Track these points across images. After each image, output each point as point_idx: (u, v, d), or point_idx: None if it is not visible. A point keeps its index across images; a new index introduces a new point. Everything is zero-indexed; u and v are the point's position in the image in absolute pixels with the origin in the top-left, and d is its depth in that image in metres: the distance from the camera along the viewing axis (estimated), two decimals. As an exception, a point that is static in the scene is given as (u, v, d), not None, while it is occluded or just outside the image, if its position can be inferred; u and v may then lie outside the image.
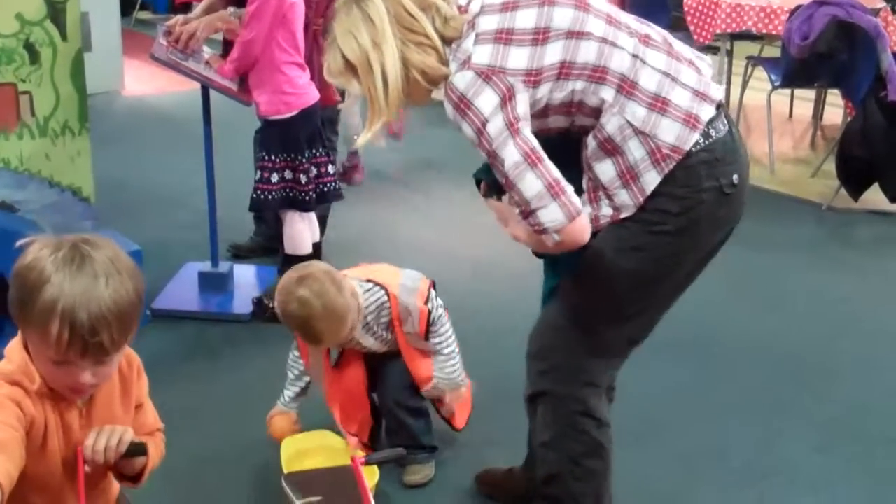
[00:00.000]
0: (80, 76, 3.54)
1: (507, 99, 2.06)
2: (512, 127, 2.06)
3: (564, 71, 2.10)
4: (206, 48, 3.76)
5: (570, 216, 2.07)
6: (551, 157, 2.09)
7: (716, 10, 5.87)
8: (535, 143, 2.08)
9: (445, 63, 2.11)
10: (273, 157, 3.57)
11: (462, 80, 2.06)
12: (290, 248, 3.69)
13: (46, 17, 3.41)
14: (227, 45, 3.87)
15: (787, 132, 6.60)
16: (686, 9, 6.04)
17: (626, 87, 2.12)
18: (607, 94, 2.12)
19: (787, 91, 6.51)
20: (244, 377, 3.36)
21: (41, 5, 3.40)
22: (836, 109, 6.33)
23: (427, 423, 2.80)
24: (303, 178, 3.58)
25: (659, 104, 2.13)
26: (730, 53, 6.28)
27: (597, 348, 2.29)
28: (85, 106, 3.60)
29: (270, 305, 3.70)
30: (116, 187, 4.70)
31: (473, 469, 2.77)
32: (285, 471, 2.58)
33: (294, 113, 3.53)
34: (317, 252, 3.79)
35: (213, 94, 3.67)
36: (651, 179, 2.13)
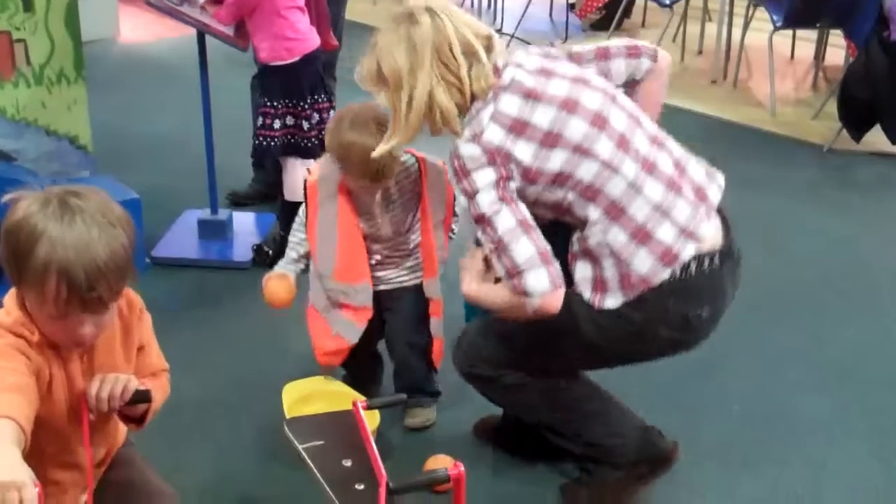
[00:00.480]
0: (74, 23, 3.51)
1: (504, 179, 2.13)
2: (505, 199, 2.14)
3: (560, 180, 2.15)
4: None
5: (554, 285, 2.14)
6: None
7: (717, -50, 5.80)
8: (528, 213, 2.16)
9: (463, 113, 2.19)
10: (275, 104, 3.55)
11: (467, 150, 2.13)
12: (290, 195, 3.68)
13: (39, -36, 3.38)
14: None
15: (789, 74, 6.55)
16: (687, -52, 5.98)
17: (614, 212, 2.17)
18: (594, 213, 2.17)
19: (789, 32, 6.45)
20: (244, 324, 3.37)
21: (34, -49, 3.36)
22: (838, 50, 6.27)
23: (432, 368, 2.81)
24: (305, 125, 3.56)
25: (641, 235, 2.17)
26: (731, -7, 6.22)
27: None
28: (80, 53, 3.57)
29: (270, 252, 3.71)
30: (113, 135, 4.67)
31: (475, 415, 2.79)
32: (287, 416, 2.60)
33: (296, 59, 3.50)
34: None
35: (209, 39, 3.64)
36: (615, 300, 2.21)
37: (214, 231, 3.88)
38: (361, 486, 1.86)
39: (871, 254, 4.04)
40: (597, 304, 2.22)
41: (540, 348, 2.34)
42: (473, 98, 2.20)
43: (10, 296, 1.69)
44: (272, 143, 3.57)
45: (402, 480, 1.70)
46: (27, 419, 1.52)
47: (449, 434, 2.68)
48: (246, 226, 4.01)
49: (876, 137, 5.02)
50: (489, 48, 2.20)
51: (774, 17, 5.60)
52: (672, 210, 2.19)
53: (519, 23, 7.04)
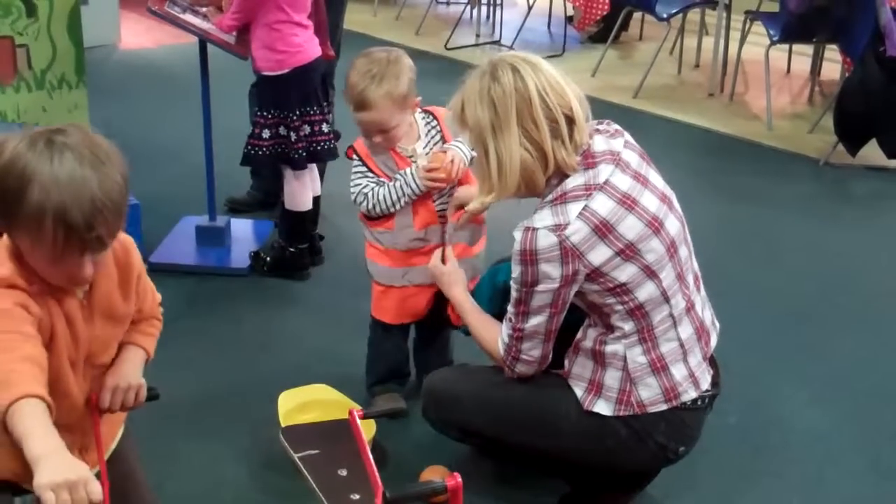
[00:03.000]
0: (77, 29, 3.53)
1: (567, 284, 2.13)
2: (556, 307, 2.17)
3: (619, 291, 2.15)
4: None
5: (541, 363, 2.27)
6: None
7: (715, -36, 5.83)
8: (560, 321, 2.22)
9: (546, 181, 2.16)
10: (265, 113, 3.56)
11: (545, 239, 2.10)
12: (290, 204, 3.68)
13: (43, -30, 3.40)
14: None
15: (785, 87, 6.58)
16: (685, -38, 6.00)
17: (647, 335, 2.19)
18: (629, 327, 2.19)
19: (786, 46, 6.48)
20: (241, 331, 3.38)
21: (38, -43, 3.38)
22: (834, 65, 6.30)
23: None
24: (292, 136, 3.55)
25: (659, 365, 2.21)
26: (728, 8, 6.24)
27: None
28: (82, 59, 3.59)
29: (267, 259, 3.72)
30: (113, 141, 4.67)
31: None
32: (283, 425, 2.60)
33: (285, 71, 3.49)
34: (315, 204, 3.79)
35: (210, 47, 3.66)
36: (608, 409, 2.23)
37: (212, 238, 3.89)
38: (357, 496, 1.87)
39: (868, 267, 4.06)
40: (587, 405, 2.25)
41: (515, 426, 2.35)
42: (558, 171, 2.16)
43: (0, 245, 1.62)
44: (260, 152, 3.58)
45: (398, 491, 1.71)
46: (47, 391, 1.48)
47: (446, 444, 2.69)
48: (244, 233, 4.02)
49: (872, 152, 5.04)
50: (571, 120, 2.15)
51: (771, 32, 5.62)
52: (690, 353, 2.25)
53: (517, 34, 7.06)
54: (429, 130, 2.77)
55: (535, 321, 2.20)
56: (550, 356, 2.28)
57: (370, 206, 2.69)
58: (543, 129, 2.12)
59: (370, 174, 2.71)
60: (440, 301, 2.72)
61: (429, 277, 2.67)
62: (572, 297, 2.19)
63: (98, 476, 1.61)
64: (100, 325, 1.73)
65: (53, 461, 1.35)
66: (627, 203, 2.13)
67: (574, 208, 2.11)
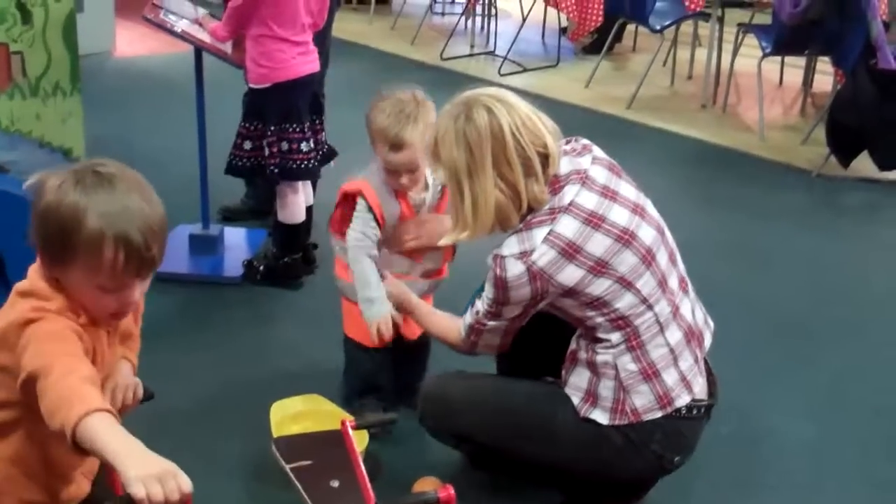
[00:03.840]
0: (71, 37, 3.53)
1: (536, 301, 2.18)
2: (522, 315, 2.24)
3: (597, 305, 2.18)
4: (200, 9, 3.74)
5: (499, 349, 2.38)
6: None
7: (708, -24, 5.85)
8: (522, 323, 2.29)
9: (519, 218, 2.19)
10: (246, 124, 3.57)
11: (513, 267, 2.14)
12: (282, 216, 3.68)
13: (39, -22, 3.40)
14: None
15: (778, 99, 6.60)
16: (679, -25, 6.03)
17: (635, 343, 2.20)
18: (616, 337, 2.20)
19: (778, 58, 6.50)
20: (233, 340, 3.38)
21: (33, -35, 3.38)
22: (826, 77, 6.32)
23: None
24: (266, 151, 3.53)
25: (650, 372, 2.22)
26: (721, 20, 6.26)
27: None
28: (77, 67, 3.59)
29: (260, 268, 3.72)
30: (107, 148, 4.59)
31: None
32: (274, 435, 2.60)
33: (267, 85, 3.48)
34: (308, 214, 3.79)
35: (205, 55, 3.66)
36: (604, 417, 2.25)
37: (206, 246, 3.88)
38: (349, 506, 1.87)
39: (860, 279, 4.07)
40: (583, 412, 2.26)
41: (511, 433, 2.36)
42: (529, 208, 2.19)
43: (39, 285, 1.66)
44: (240, 163, 3.59)
45: (390, 502, 1.70)
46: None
47: (439, 455, 2.69)
48: (237, 241, 4.02)
49: (864, 163, 5.06)
50: (545, 157, 2.18)
51: (763, 44, 5.65)
52: (680, 357, 2.25)
53: (512, 45, 7.07)
54: (434, 178, 2.75)
55: (499, 322, 2.27)
56: (508, 345, 2.35)
57: (350, 260, 2.69)
58: (517, 169, 2.15)
59: (373, 224, 2.66)
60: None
61: None
62: (548, 306, 2.23)
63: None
64: (117, 347, 1.82)
65: (140, 457, 1.40)
66: (594, 221, 2.15)
67: (539, 234, 2.14)
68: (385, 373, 2.86)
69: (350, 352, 2.88)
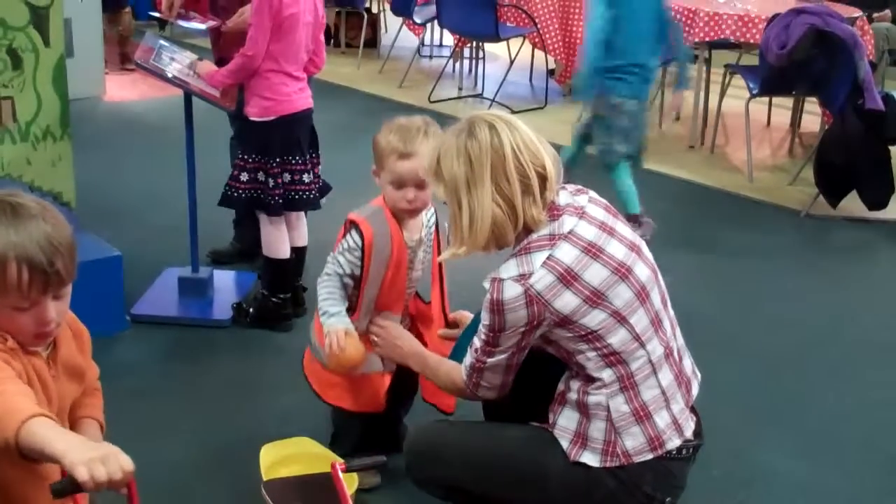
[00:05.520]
0: (62, 82, 3.53)
1: (532, 327, 2.17)
2: (519, 348, 2.22)
3: (590, 338, 2.18)
4: (188, 53, 3.77)
5: (500, 391, 2.31)
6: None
7: (694, 19, 5.91)
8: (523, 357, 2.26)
9: (515, 237, 2.20)
10: (246, 157, 3.61)
11: (510, 289, 2.14)
12: (266, 250, 3.71)
13: (29, 23, 3.41)
14: (218, 52, 3.95)
15: (766, 140, 6.65)
16: (666, 17, 6.08)
17: (627, 383, 2.20)
18: (607, 376, 2.20)
19: (765, 99, 6.55)
20: (223, 383, 3.36)
21: (24, 11, 3.39)
22: (813, 117, 6.38)
23: None
24: (271, 182, 3.58)
25: (642, 413, 2.22)
26: (708, 61, 6.32)
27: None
28: (67, 111, 3.59)
29: (250, 311, 3.71)
30: (97, 193, 4.68)
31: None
32: (265, 478, 2.58)
33: (271, 118, 3.54)
34: (300, 255, 3.79)
35: (195, 100, 3.68)
36: (594, 460, 2.23)
37: (195, 289, 3.88)
38: (340, 550, 1.85)
39: (849, 318, 4.08)
40: (573, 456, 2.25)
41: (500, 481, 2.33)
42: (525, 227, 2.20)
43: None
44: (236, 194, 3.62)
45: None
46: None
47: (429, 497, 2.67)
48: (226, 284, 4.01)
49: (852, 203, 5.09)
50: (543, 178, 2.19)
51: (751, 85, 5.70)
52: (672, 400, 2.25)
53: (499, 87, 7.12)
54: (429, 219, 2.76)
55: (499, 358, 2.25)
56: (510, 384, 2.31)
57: (321, 278, 2.69)
58: (515, 185, 2.16)
59: (358, 255, 2.64)
60: (401, 386, 2.77)
61: (381, 364, 2.69)
62: (542, 339, 2.22)
63: None
64: (65, 382, 1.84)
65: (80, 445, 1.45)
66: (592, 251, 2.17)
67: (538, 258, 2.15)
68: (375, 431, 2.83)
69: (338, 418, 2.83)
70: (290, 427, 2.88)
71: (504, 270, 2.17)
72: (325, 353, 2.61)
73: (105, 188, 5.00)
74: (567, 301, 2.13)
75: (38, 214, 1.70)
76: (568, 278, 2.13)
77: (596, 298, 2.15)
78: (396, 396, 2.82)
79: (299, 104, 3.61)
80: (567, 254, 2.15)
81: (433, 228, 2.78)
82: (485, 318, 2.21)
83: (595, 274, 2.15)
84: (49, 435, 1.48)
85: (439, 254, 2.74)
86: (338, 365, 2.60)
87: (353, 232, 2.65)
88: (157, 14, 4.06)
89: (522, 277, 2.13)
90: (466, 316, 2.72)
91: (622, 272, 2.18)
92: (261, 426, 3.01)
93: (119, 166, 5.48)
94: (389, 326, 2.67)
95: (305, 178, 3.64)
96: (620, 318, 2.17)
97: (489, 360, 2.25)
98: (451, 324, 2.77)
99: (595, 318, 2.15)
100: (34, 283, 1.66)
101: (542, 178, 2.19)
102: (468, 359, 2.32)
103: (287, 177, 3.61)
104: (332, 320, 2.60)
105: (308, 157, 3.68)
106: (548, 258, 2.14)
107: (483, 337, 2.24)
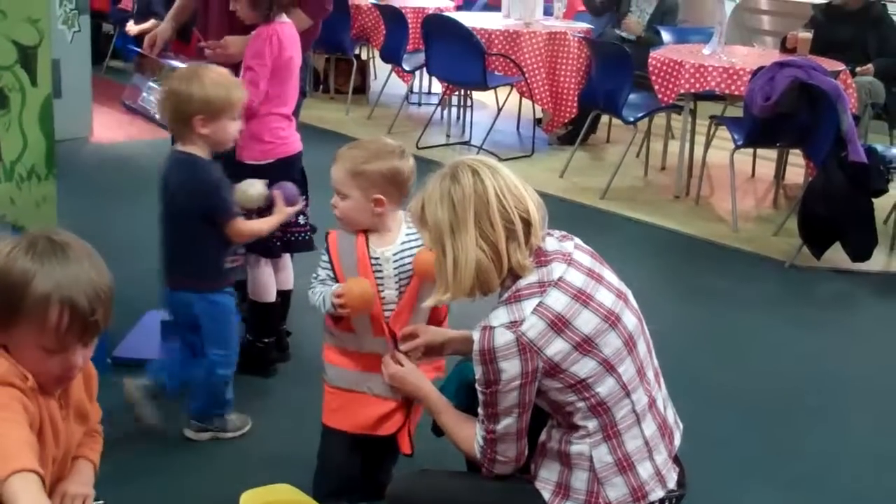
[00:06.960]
0: (48, 122, 3.53)
1: (530, 379, 2.14)
2: (522, 405, 2.17)
3: (579, 387, 2.17)
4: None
5: (518, 461, 2.25)
6: None
7: (679, 71, 5.96)
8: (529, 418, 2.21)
9: (500, 284, 2.19)
10: None
11: (502, 337, 2.12)
12: (253, 293, 3.68)
13: (17, 63, 3.42)
14: None
15: (750, 191, 6.69)
16: (650, 69, 6.14)
17: (611, 432, 2.20)
18: (592, 425, 2.19)
19: (750, 150, 6.61)
20: (206, 428, 3.32)
21: (12, 50, 3.40)
22: (797, 169, 6.42)
23: None
24: None
25: (625, 464, 2.21)
26: (693, 113, 6.37)
27: None
28: (52, 151, 3.59)
29: (234, 355, 3.68)
30: (81, 234, 4.61)
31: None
32: (246, 525, 2.55)
33: (269, 161, 3.55)
34: (286, 299, 3.77)
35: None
36: None
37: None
38: None
39: (834, 368, 4.08)
40: None
41: None
42: (512, 273, 2.19)
43: None
44: None
45: None
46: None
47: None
48: (210, 328, 3.98)
49: (837, 254, 5.11)
50: (527, 224, 2.19)
51: (735, 136, 5.74)
52: (655, 450, 2.24)
53: (487, 135, 7.16)
54: (409, 240, 2.71)
55: (506, 422, 2.19)
56: (526, 451, 2.26)
57: (310, 298, 2.71)
58: (499, 231, 2.16)
59: (328, 269, 2.69)
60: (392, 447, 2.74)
61: (388, 390, 2.65)
62: (534, 395, 2.19)
63: None
64: (73, 423, 1.84)
65: None
66: (582, 298, 2.16)
67: (529, 305, 2.13)
68: (360, 475, 2.81)
69: (328, 447, 2.80)
70: (270, 473, 2.84)
71: (494, 318, 2.15)
72: (336, 308, 2.61)
73: (89, 229, 4.90)
74: (558, 348, 2.12)
75: (85, 258, 1.71)
76: (559, 325, 2.12)
77: (586, 346, 2.14)
78: (385, 453, 2.81)
79: (295, 146, 3.64)
80: (557, 301, 2.14)
81: (413, 248, 2.70)
82: (477, 374, 2.17)
83: (585, 321, 2.14)
84: (22, 499, 1.47)
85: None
86: (352, 303, 2.58)
87: (325, 240, 2.72)
88: (138, 49, 4.07)
89: (514, 324, 2.12)
90: (420, 329, 2.64)
91: (611, 320, 2.17)
92: (241, 472, 2.98)
93: (104, 208, 5.46)
94: (409, 370, 2.59)
95: (301, 219, 3.64)
96: (609, 367, 2.15)
97: (497, 427, 2.20)
98: (405, 336, 2.66)
99: (584, 367, 2.14)
100: (72, 329, 1.66)
101: (527, 224, 2.19)
102: (479, 433, 2.27)
103: None
104: (320, 288, 2.67)
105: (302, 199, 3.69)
106: (538, 305, 2.13)
107: (481, 398, 2.20)
